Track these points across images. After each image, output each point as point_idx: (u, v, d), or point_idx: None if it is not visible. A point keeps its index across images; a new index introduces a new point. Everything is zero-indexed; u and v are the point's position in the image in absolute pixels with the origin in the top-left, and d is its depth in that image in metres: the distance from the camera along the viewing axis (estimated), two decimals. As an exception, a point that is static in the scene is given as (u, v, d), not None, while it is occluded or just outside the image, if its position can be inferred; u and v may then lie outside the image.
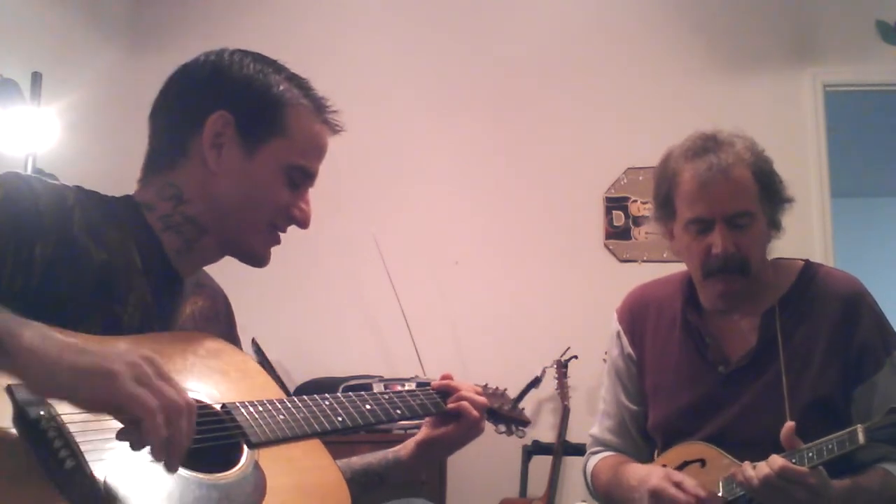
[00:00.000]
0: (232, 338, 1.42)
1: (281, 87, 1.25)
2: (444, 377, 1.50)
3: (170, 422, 0.88)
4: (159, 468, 0.91)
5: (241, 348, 1.43)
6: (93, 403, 0.88)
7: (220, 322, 1.38)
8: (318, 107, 1.29)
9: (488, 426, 1.54)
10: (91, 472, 0.88)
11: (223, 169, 1.22)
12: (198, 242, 1.25)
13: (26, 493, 0.85)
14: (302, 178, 1.28)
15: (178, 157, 1.23)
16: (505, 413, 1.57)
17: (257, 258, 1.29)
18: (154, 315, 1.19)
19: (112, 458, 0.92)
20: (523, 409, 1.65)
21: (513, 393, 1.71)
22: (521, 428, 1.61)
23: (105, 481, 0.89)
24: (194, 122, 1.22)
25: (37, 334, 0.88)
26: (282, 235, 1.32)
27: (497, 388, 1.59)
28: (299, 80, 1.30)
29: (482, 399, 1.47)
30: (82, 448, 0.90)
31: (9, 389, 0.89)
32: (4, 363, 0.87)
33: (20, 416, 0.89)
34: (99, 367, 0.86)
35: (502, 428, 1.59)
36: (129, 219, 1.21)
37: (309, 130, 1.27)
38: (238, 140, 1.22)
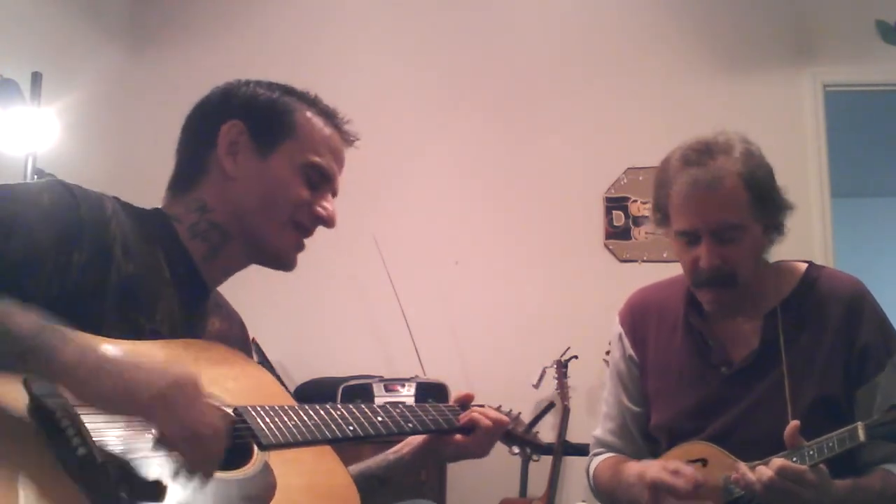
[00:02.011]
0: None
1: (286, 98, 1.31)
2: (468, 396, 1.51)
3: (195, 453, 0.96)
4: (169, 458, 0.97)
5: None
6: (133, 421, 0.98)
7: (233, 345, 1.39)
8: (327, 115, 1.34)
9: (502, 448, 1.55)
10: (102, 461, 0.91)
11: (241, 174, 1.27)
12: (223, 248, 1.28)
13: (40, 479, 0.88)
14: (319, 177, 1.31)
15: (198, 175, 1.29)
16: (519, 435, 1.57)
17: (282, 259, 1.32)
18: (181, 325, 1.22)
19: (124, 448, 0.96)
20: (537, 432, 1.64)
21: (510, 393, 1.71)
22: (535, 452, 1.61)
23: (115, 470, 0.92)
24: (209, 138, 1.28)
25: (77, 351, 0.94)
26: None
27: (511, 410, 1.59)
28: (306, 94, 1.35)
29: (504, 419, 1.49)
30: (95, 438, 0.93)
31: (25, 381, 0.93)
32: (48, 375, 0.93)
33: (36, 405, 0.92)
34: (136, 394, 0.94)
35: (516, 450, 1.59)
36: (158, 230, 1.25)
37: (319, 132, 1.31)
38: (251, 145, 1.28)
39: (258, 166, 1.27)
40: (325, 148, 1.32)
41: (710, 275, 1.63)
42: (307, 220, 1.31)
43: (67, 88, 3.37)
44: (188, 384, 0.97)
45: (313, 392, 3.38)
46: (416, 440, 1.49)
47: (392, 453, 1.49)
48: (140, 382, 0.94)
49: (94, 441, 0.92)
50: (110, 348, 0.96)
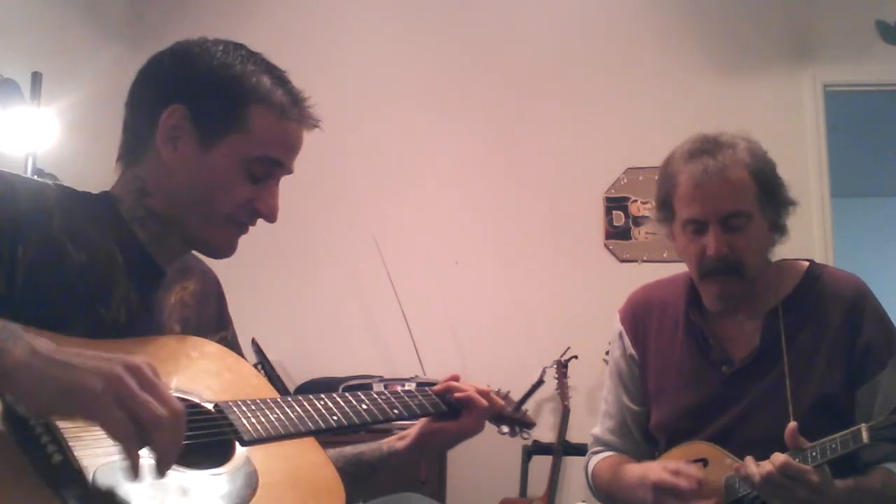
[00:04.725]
0: (223, 315, 1.40)
1: (248, 82, 1.21)
2: (453, 377, 1.49)
3: (151, 439, 0.86)
4: (149, 463, 0.91)
5: (232, 324, 1.42)
6: (80, 420, 0.88)
7: (211, 301, 1.37)
8: (288, 102, 1.23)
9: (492, 428, 1.54)
10: (79, 467, 0.88)
11: (180, 162, 1.19)
12: (165, 237, 1.23)
13: (15, 489, 0.85)
14: (267, 169, 1.22)
15: (141, 150, 1.22)
16: (508, 415, 1.57)
17: (216, 252, 1.26)
18: (140, 310, 1.18)
19: (101, 452, 0.92)
20: (526, 410, 1.64)
21: (515, 395, 1.71)
22: (525, 430, 1.61)
23: (94, 476, 0.89)
24: (154, 115, 1.20)
25: (26, 350, 0.86)
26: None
27: (499, 390, 1.58)
28: (273, 71, 1.24)
29: (500, 401, 1.48)
30: (70, 443, 0.90)
31: None
32: None
33: (8, 412, 0.89)
34: (80, 385, 0.84)
35: (505, 429, 1.59)
36: (106, 215, 1.20)
37: (274, 127, 1.22)
38: (194, 134, 1.19)
39: (198, 158, 1.19)
40: (278, 140, 1.22)
41: (717, 263, 1.64)
42: (246, 217, 1.23)
43: (67, 88, 3.37)
44: (136, 368, 0.87)
45: (313, 392, 3.37)
46: (412, 432, 1.47)
47: (386, 443, 1.47)
48: (87, 373, 0.85)
49: (70, 447, 0.89)
50: (59, 355, 0.87)
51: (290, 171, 1.27)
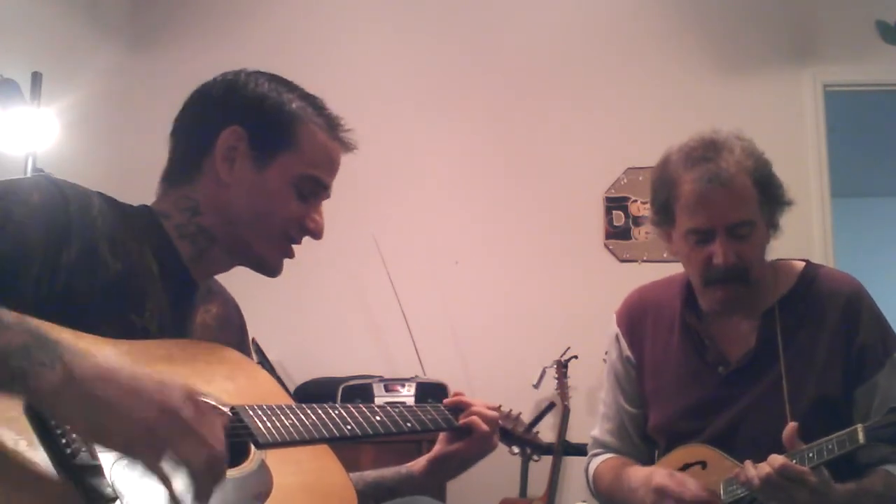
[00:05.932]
0: (244, 345, 1.44)
1: (293, 105, 1.29)
2: (457, 394, 1.51)
3: (196, 476, 0.90)
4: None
5: (251, 356, 1.45)
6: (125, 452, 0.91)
7: (233, 329, 1.41)
8: (331, 125, 1.32)
9: (502, 448, 1.55)
10: (99, 462, 0.90)
11: (236, 181, 1.26)
12: (209, 252, 1.28)
13: (36, 483, 0.87)
14: (313, 188, 1.30)
15: (193, 172, 1.27)
16: (519, 435, 1.57)
17: (269, 268, 1.32)
18: (170, 321, 1.22)
19: None
20: (538, 432, 1.64)
21: (510, 393, 1.70)
22: (536, 452, 1.61)
23: (112, 471, 0.91)
24: (209, 137, 1.26)
25: (62, 376, 0.85)
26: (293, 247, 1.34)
27: (511, 410, 1.59)
28: (312, 98, 1.32)
29: (493, 413, 1.48)
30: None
31: None
32: (29, 399, 0.87)
33: (30, 407, 0.91)
34: (108, 432, 0.87)
35: (516, 450, 1.59)
36: (146, 227, 1.24)
37: (320, 145, 1.30)
38: (250, 154, 1.26)
39: (254, 176, 1.26)
40: (323, 160, 1.31)
41: (724, 272, 1.62)
42: (296, 233, 1.31)
43: (67, 88, 3.37)
44: (189, 398, 0.91)
45: (313, 392, 3.37)
46: (423, 459, 1.50)
47: (405, 467, 1.50)
48: (118, 419, 0.86)
49: (90, 443, 0.90)
50: (103, 361, 0.89)
51: (329, 195, 1.35)
